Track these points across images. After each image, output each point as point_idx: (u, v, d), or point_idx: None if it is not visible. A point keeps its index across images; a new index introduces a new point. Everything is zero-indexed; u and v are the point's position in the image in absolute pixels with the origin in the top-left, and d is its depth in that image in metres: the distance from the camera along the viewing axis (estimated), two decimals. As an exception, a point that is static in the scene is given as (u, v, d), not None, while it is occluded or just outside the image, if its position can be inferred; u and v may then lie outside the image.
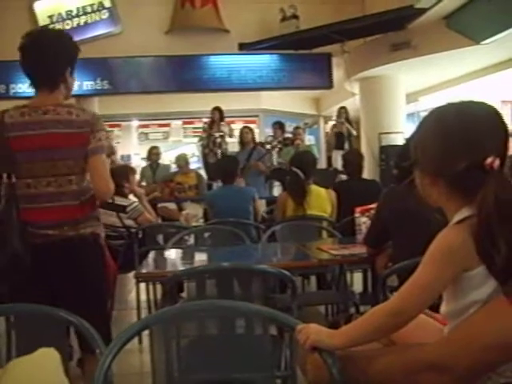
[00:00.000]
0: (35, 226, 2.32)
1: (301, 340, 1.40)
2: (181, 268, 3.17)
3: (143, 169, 9.34)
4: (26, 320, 1.67)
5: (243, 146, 8.57)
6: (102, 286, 2.54)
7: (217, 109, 9.09)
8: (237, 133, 9.19)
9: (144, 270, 3.19)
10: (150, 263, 3.39)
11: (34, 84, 2.45)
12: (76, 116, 2.36)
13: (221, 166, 5.52)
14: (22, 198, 2.31)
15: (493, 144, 1.21)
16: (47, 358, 1.33)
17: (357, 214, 3.57)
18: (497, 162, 1.18)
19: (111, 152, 2.91)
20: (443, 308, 1.32)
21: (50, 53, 2.40)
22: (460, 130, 1.23)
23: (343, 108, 10.53)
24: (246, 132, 8.63)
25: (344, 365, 1.34)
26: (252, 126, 13.23)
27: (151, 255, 3.61)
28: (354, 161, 5.36)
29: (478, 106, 1.29)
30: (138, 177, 9.14)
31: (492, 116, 1.26)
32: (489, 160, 1.18)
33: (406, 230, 2.70)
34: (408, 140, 2.88)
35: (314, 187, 4.71)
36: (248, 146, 8.48)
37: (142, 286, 4.54)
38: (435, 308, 1.36)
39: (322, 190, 4.76)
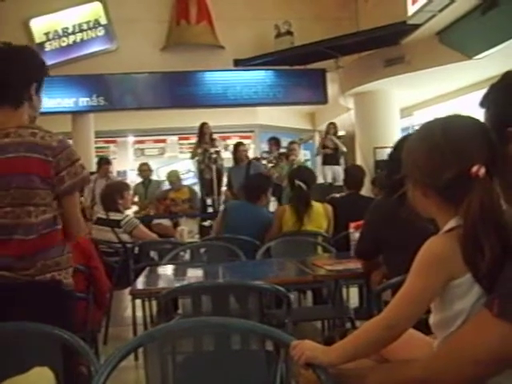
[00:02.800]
0: None
1: (295, 356, 1.40)
2: (176, 284, 3.16)
3: (136, 186, 9.32)
4: (19, 338, 1.66)
5: (237, 163, 8.57)
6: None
7: (206, 124, 9.10)
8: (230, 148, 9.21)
9: (139, 287, 3.18)
10: (145, 280, 3.38)
11: None
12: (40, 138, 2.10)
13: (251, 183, 5.26)
14: None
15: (478, 153, 1.24)
16: (41, 378, 1.32)
17: (351, 230, 3.58)
18: (482, 170, 1.21)
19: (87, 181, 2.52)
20: (431, 320, 1.34)
21: (13, 66, 2.19)
22: (445, 142, 1.27)
23: (332, 124, 10.53)
24: (243, 150, 8.63)
25: (336, 382, 1.34)
26: (248, 141, 13.36)
27: (146, 272, 3.60)
28: (356, 175, 5.36)
29: (462, 118, 1.34)
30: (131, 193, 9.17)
31: (476, 126, 1.30)
32: (474, 168, 1.21)
33: (396, 244, 2.70)
34: (390, 156, 2.93)
35: (313, 202, 4.73)
36: (242, 162, 8.50)
37: (138, 302, 4.53)
38: (424, 323, 1.37)
39: (320, 206, 4.77)
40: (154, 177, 9.70)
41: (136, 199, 9.07)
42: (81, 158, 2.22)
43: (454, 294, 1.25)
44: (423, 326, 1.40)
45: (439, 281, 1.25)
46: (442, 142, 1.27)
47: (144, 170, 9.33)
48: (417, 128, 1.42)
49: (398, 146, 2.88)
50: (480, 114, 1.34)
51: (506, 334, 1.11)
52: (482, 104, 1.31)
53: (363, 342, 1.33)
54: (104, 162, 9.35)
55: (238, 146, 8.76)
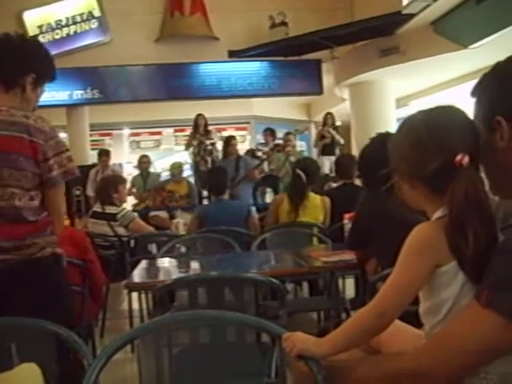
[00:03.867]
0: None
1: (287, 348, 1.41)
2: (171, 277, 3.17)
3: (134, 178, 9.38)
4: (11, 332, 1.66)
5: (227, 157, 8.50)
6: (63, 310, 2.20)
7: (201, 115, 9.08)
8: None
9: (134, 280, 3.19)
10: (140, 273, 3.39)
11: None
12: (33, 121, 2.08)
13: (210, 178, 5.35)
14: None
15: (461, 142, 1.26)
16: (29, 374, 1.32)
17: (346, 221, 3.59)
18: (466, 159, 1.22)
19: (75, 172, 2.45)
20: (420, 308, 1.35)
21: (11, 52, 2.19)
22: (427, 136, 1.29)
23: (329, 114, 10.48)
24: (234, 144, 8.58)
25: (328, 373, 1.35)
26: (243, 132, 13.34)
27: (142, 264, 3.61)
28: (347, 164, 5.38)
29: (443, 109, 1.36)
30: (128, 185, 9.18)
31: (458, 116, 1.32)
32: (458, 157, 1.23)
33: (386, 235, 2.72)
34: (364, 151, 2.99)
35: (311, 194, 4.75)
36: (232, 156, 8.43)
37: (135, 295, 4.54)
38: (413, 315, 1.38)
39: (318, 198, 4.79)
40: (151, 169, 9.71)
41: (134, 191, 9.11)
42: (69, 150, 2.21)
43: (441, 282, 1.26)
44: (414, 320, 1.41)
45: (427, 266, 1.26)
46: (424, 135, 1.29)
47: (144, 162, 9.37)
48: (400, 121, 1.43)
49: (373, 142, 2.93)
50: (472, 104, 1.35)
51: (495, 324, 1.12)
52: (473, 93, 1.32)
53: (353, 331, 1.34)
54: (103, 153, 9.40)
55: (230, 139, 8.69)
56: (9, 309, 1.99)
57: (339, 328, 1.39)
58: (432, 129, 1.30)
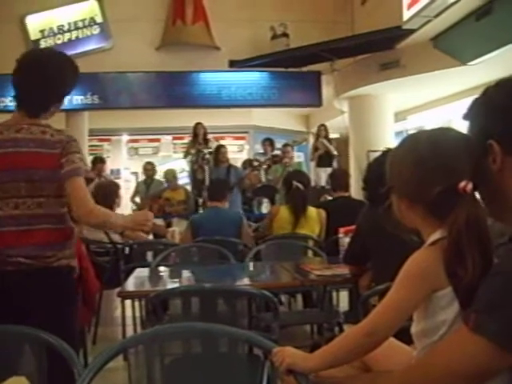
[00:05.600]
0: (4, 253, 2.19)
1: (276, 363, 1.41)
2: (164, 287, 3.17)
3: (138, 184, 9.41)
4: (5, 341, 1.66)
5: (218, 165, 8.54)
6: (71, 322, 2.34)
7: (200, 124, 9.11)
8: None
9: (127, 289, 3.19)
10: (133, 281, 3.39)
11: (17, 100, 2.34)
12: (50, 136, 2.26)
13: (213, 187, 5.36)
14: None
15: (465, 168, 1.25)
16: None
17: (340, 235, 3.59)
18: (469, 186, 1.22)
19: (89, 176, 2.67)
20: (413, 329, 1.35)
21: (47, 82, 2.29)
22: (432, 157, 1.27)
23: (322, 125, 10.46)
24: (224, 152, 8.63)
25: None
26: (242, 142, 13.36)
27: (136, 273, 3.61)
28: (340, 178, 5.43)
29: (448, 132, 1.35)
30: (131, 191, 9.22)
31: (462, 141, 1.30)
32: (462, 184, 1.22)
33: (384, 251, 2.72)
34: (372, 165, 2.97)
35: (308, 207, 4.77)
36: (223, 164, 8.47)
37: (128, 302, 4.53)
38: (406, 331, 1.38)
39: (314, 211, 4.81)
40: (157, 176, 9.74)
41: (137, 199, 9.13)
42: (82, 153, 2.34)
43: (437, 305, 1.26)
44: (405, 335, 1.41)
45: (422, 293, 1.26)
46: (428, 156, 1.28)
47: (148, 170, 9.39)
48: (401, 140, 1.43)
49: (379, 160, 2.93)
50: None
51: (482, 348, 1.12)
52: (465, 117, 1.32)
53: (343, 348, 1.35)
54: (97, 161, 9.36)
55: (219, 147, 8.76)
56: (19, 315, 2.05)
57: (330, 344, 1.39)
58: (437, 150, 1.28)
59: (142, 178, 9.69)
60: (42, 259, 2.22)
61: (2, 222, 2.22)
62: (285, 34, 10.11)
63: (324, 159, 10.20)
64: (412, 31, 8.10)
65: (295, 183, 4.74)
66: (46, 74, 2.29)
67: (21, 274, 2.20)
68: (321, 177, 10.01)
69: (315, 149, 10.42)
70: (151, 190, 9.05)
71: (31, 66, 2.31)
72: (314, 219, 4.76)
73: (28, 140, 2.23)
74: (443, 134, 1.34)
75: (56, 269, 2.25)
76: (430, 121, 10.51)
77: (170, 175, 8.53)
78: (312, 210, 4.79)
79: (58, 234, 2.28)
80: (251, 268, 3.94)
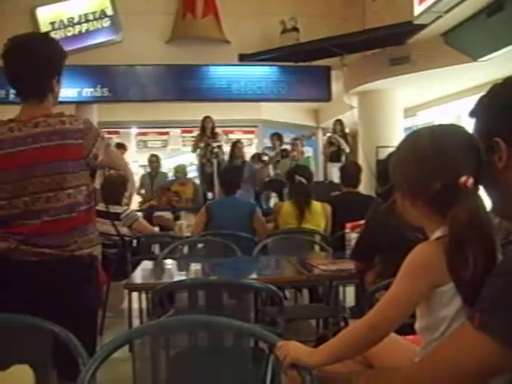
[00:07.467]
0: (31, 243, 2.20)
1: (280, 357, 1.42)
2: (171, 279, 3.19)
3: (142, 176, 9.43)
4: (10, 331, 1.67)
5: (233, 160, 8.58)
6: (92, 309, 2.42)
7: (208, 117, 9.13)
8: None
9: (134, 281, 3.21)
10: (140, 273, 3.41)
11: (19, 94, 2.30)
12: (69, 124, 2.24)
13: (225, 176, 5.36)
14: (21, 215, 2.21)
15: (466, 163, 1.26)
16: (21, 375, 1.34)
17: (347, 230, 3.59)
18: (470, 181, 1.23)
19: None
20: (417, 325, 1.36)
21: (38, 58, 2.25)
22: (433, 153, 1.29)
23: (338, 121, 10.43)
24: (240, 148, 8.67)
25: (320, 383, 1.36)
26: (251, 136, 13.35)
27: (143, 265, 3.63)
28: (351, 172, 5.36)
29: (449, 128, 1.36)
30: (137, 184, 9.24)
31: (463, 137, 1.31)
32: (463, 179, 1.23)
33: (393, 247, 2.72)
34: (384, 161, 2.94)
35: (312, 201, 4.76)
36: (238, 159, 8.51)
37: (135, 294, 4.55)
38: (409, 327, 1.38)
39: (319, 205, 4.79)
40: (162, 169, 9.76)
41: (142, 191, 9.15)
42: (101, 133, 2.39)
43: (439, 301, 1.27)
44: (409, 329, 1.42)
45: (424, 286, 1.27)
46: (430, 153, 1.29)
47: (152, 162, 9.42)
48: (404, 138, 1.43)
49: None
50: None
51: (486, 346, 1.12)
52: (472, 114, 1.32)
53: (347, 342, 1.35)
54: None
55: (236, 143, 8.80)
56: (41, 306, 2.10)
57: (333, 339, 1.40)
58: (439, 146, 1.29)
59: (147, 170, 9.68)
60: (64, 248, 2.24)
61: (33, 216, 2.21)
62: (295, 29, 10.07)
63: (336, 154, 10.18)
64: (423, 27, 8.06)
65: (298, 177, 4.75)
66: (30, 53, 2.25)
67: (45, 264, 2.21)
68: (332, 172, 9.98)
69: (329, 143, 10.39)
70: (155, 183, 9.06)
71: (14, 54, 2.26)
72: (319, 213, 4.75)
73: (48, 133, 2.20)
74: (444, 130, 1.35)
75: (78, 258, 2.27)
76: (439, 117, 10.48)
77: (181, 171, 8.57)
78: (317, 205, 4.78)
79: (79, 218, 2.29)
80: (257, 262, 3.95)
